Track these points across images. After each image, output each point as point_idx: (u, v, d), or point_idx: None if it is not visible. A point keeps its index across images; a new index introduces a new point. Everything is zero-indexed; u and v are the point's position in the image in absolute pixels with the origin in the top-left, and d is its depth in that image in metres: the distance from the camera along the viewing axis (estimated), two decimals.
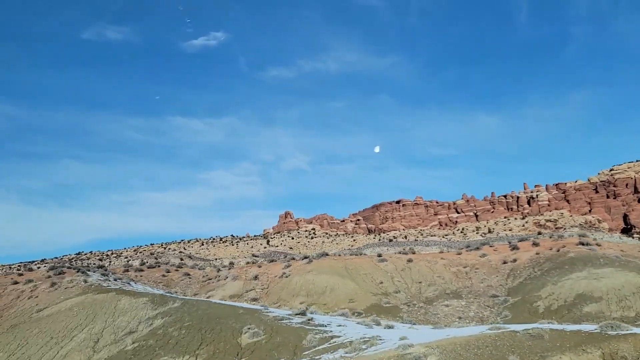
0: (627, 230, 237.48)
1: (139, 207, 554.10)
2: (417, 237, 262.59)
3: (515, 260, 42.87)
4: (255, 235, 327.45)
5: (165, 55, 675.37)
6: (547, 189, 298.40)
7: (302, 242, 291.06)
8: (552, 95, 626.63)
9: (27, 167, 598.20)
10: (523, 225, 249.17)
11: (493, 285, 39.99)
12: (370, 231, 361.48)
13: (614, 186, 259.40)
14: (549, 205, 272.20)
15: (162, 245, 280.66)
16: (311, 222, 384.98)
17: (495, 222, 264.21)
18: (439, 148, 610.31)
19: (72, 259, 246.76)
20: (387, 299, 41.59)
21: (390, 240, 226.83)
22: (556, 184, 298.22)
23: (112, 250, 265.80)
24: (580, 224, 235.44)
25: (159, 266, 65.60)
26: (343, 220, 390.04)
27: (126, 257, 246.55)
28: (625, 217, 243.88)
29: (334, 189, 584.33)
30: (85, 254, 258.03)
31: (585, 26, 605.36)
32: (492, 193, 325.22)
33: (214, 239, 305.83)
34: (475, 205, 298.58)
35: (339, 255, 56.47)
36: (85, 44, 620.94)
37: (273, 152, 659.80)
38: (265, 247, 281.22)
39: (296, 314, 29.71)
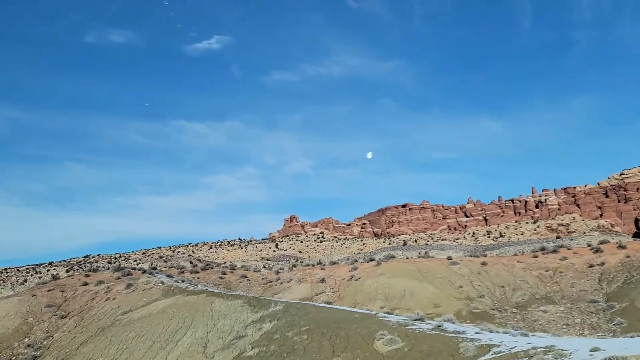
0: (639, 235, 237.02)
1: (141, 211, 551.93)
2: (428, 241, 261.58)
3: (602, 264, 41.77)
4: (263, 239, 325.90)
5: (169, 59, 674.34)
6: (555, 193, 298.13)
7: (311, 245, 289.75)
8: (555, 100, 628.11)
9: (30, 170, 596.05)
10: (535, 230, 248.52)
11: (587, 290, 38.83)
12: (376, 235, 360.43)
13: (625, 190, 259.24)
14: (559, 209, 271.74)
15: (170, 248, 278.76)
16: (316, 226, 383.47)
17: (506, 226, 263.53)
18: (442, 152, 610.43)
19: (80, 261, 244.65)
20: (473, 304, 40.36)
21: (404, 244, 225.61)
22: (564, 188, 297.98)
23: (120, 253, 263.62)
24: (593, 229, 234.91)
25: (211, 268, 64.22)
26: (349, 224, 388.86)
27: (135, 260, 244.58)
28: (637, 222, 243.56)
29: (336, 193, 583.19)
30: (93, 257, 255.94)
31: (588, 31, 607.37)
32: (499, 197, 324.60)
33: (221, 242, 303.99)
34: (484, 209, 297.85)
35: (407, 258, 55.21)
36: (89, 47, 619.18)
37: (276, 156, 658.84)
38: (274, 251, 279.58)
39: (415, 320, 28.44)
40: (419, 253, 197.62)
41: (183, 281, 46.70)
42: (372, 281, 46.39)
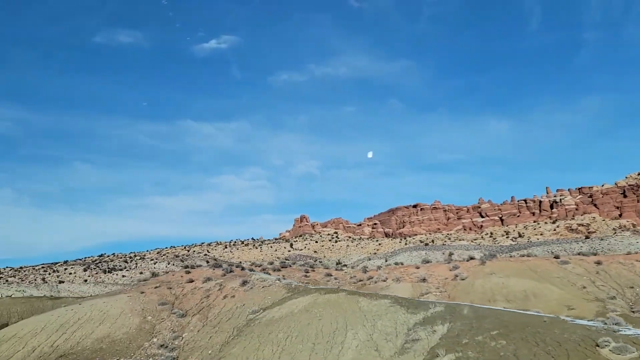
0: None
1: (148, 211, 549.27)
2: (445, 241, 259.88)
3: None
4: (276, 239, 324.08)
5: (176, 59, 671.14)
6: (570, 193, 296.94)
7: (326, 246, 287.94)
8: (563, 101, 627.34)
9: (39, 171, 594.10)
10: (554, 230, 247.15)
11: None
12: (387, 235, 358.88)
13: None
14: (576, 209, 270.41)
15: (184, 247, 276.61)
16: (326, 226, 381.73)
17: (524, 227, 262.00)
18: (449, 153, 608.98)
19: (95, 260, 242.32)
20: (608, 305, 38.46)
21: (426, 244, 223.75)
22: (579, 188, 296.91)
23: (134, 253, 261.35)
24: (614, 229, 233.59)
25: (290, 266, 62.20)
26: (360, 225, 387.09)
27: (152, 260, 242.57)
28: None
29: (343, 194, 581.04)
30: (108, 256, 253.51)
31: (597, 32, 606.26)
32: (512, 197, 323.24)
33: (234, 242, 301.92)
34: (500, 209, 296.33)
35: (511, 257, 53.26)
36: (97, 48, 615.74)
37: (283, 157, 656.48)
38: (289, 251, 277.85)
39: (614, 323, 26.46)
40: (444, 253, 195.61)
41: (284, 279, 44.67)
42: (483, 281, 44.46)
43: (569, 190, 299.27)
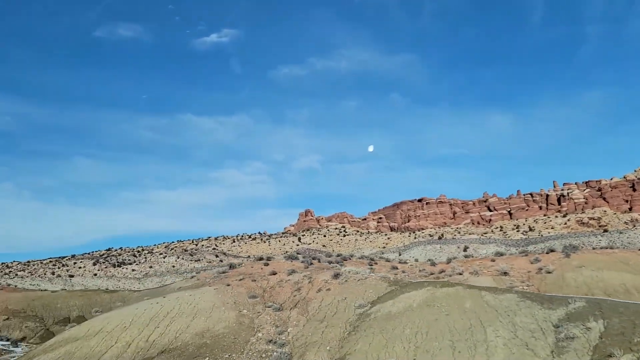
0: None
1: (150, 206, 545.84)
2: (455, 235, 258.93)
3: None
4: (282, 233, 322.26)
5: (177, 53, 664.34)
6: (577, 187, 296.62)
7: (334, 240, 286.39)
8: (565, 96, 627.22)
9: (40, 165, 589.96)
10: (565, 224, 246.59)
11: None
12: (392, 229, 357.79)
13: None
14: (586, 203, 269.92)
15: (192, 241, 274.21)
16: (331, 220, 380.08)
17: (534, 220, 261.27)
18: (451, 148, 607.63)
19: (104, 254, 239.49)
20: None
21: (440, 238, 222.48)
22: (586, 182, 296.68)
23: (142, 247, 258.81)
24: (625, 222, 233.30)
25: (349, 259, 60.12)
26: (365, 219, 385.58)
27: (160, 254, 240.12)
28: None
29: (345, 189, 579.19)
30: (116, 250, 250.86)
31: (600, 26, 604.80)
32: (518, 191, 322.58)
33: (242, 236, 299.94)
34: (508, 203, 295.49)
35: (593, 249, 51.46)
36: (98, 42, 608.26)
37: (284, 151, 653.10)
38: (297, 245, 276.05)
39: None
40: (459, 247, 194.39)
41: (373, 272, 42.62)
42: (574, 274, 42.61)
43: (575, 184, 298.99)
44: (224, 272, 41.52)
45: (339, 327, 30.55)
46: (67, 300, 48.16)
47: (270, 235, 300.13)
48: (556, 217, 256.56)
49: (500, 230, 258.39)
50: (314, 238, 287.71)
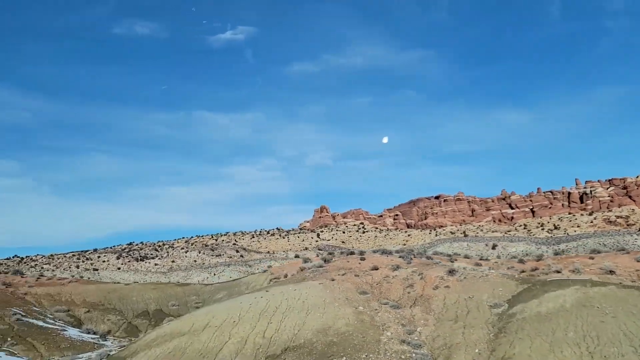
0: None
1: (163, 201, 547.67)
2: (477, 232, 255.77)
3: None
4: (300, 229, 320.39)
5: (192, 50, 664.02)
6: (600, 184, 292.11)
7: (353, 236, 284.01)
8: (583, 92, 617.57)
9: (58, 161, 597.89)
10: (592, 222, 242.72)
11: None
12: (409, 226, 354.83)
13: None
14: (611, 201, 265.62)
15: (212, 237, 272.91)
16: (346, 217, 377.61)
17: (559, 218, 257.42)
18: (465, 144, 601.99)
19: (125, 249, 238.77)
20: None
21: (465, 235, 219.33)
22: (609, 180, 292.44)
23: (162, 242, 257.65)
24: None
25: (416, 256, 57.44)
26: (381, 216, 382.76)
27: (182, 249, 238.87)
28: None
29: (357, 185, 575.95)
30: (137, 244, 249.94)
31: (620, 20, 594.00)
32: (538, 189, 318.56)
33: (260, 231, 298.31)
34: (531, 201, 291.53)
35: None
36: (115, 39, 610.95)
37: (297, 147, 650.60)
38: (316, 241, 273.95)
39: None
40: (487, 245, 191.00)
41: (491, 269, 39.95)
42: None
43: (598, 181, 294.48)
44: (321, 266, 39.01)
45: (480, 328, 27.94)
46: (142, 293, 45.95)
47: (288, 231, 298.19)
48: (582, 215, 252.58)
49: (524, 229, 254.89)
50: (333, 234, 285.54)
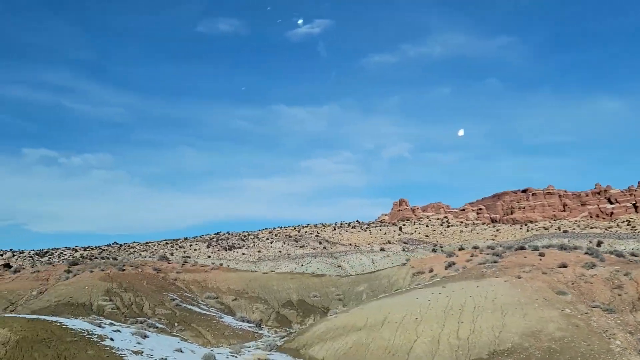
0: None
1: (245, 193, 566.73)
2: (574, 228, 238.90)
3: None
4: (381, 222, 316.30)
5: (271, 45, 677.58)
6: None
7: (437, 230, 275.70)
8: None
9: (149, 154, 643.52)
10: None
11: None
12: (493, 221, 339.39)
13: None
14: None
15: (294, 228, 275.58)
16: (426, 210, 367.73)
17: None
18: (553, 135, 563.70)
19: (213, 238, 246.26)
20: None
21: (565, 232, 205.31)
22: None
23: (247, 232, 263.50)
24: None
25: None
26: (463, 209, 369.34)
27: (267, 239, 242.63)
28: None
29: (436, 178, 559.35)
30: (224, 234, 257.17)
31: None
32: (639, 182, 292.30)
33: (341, 224, 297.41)
34: (633, 195, 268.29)
35: None
36: (200, 37, 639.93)
37: (374, 140, 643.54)
38: (399, 235, 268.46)
39: None
40: (591, 242, 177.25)
41: None
42: None
43: None
44: (495, 262, 35.21)
45: None
46: (282, 283, 44.53)
47: (368, 224, 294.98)
48: None
49: (628, 225, 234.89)
50: (415, 228, 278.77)
